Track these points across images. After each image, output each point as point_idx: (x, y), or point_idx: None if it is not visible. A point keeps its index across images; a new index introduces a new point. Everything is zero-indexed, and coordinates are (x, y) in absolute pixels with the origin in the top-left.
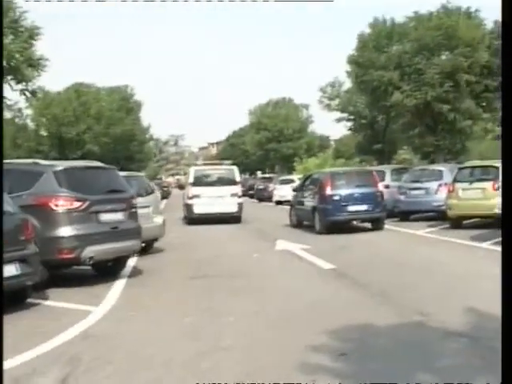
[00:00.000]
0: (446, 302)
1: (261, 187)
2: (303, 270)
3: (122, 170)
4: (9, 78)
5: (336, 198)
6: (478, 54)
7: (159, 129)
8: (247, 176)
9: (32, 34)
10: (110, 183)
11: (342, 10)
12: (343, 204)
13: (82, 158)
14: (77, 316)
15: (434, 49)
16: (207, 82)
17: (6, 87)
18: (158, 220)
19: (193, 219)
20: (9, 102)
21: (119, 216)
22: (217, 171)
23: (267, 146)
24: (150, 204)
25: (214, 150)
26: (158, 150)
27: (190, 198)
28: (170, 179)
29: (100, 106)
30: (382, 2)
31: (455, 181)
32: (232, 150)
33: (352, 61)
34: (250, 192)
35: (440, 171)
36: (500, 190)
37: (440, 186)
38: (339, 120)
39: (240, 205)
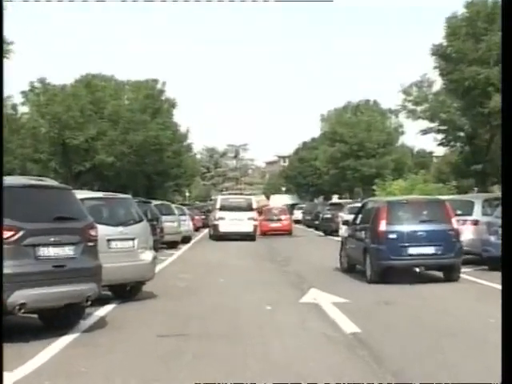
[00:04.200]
0: None
1: (327, 216)
2: (317, 333)
3: (152, 188)
4: None
5: (393, 236)
6: None
7: (215, 137)
8: (320, 200)
9: None
10: (60, 208)
11: None
12: (402, 245)
13: (92, 170)
14: None
15: None
16: (275, 80)
17: None
18: (146, 257)
19: (218, 236)
20: None
21: (68, 251)
22: (238, 200)
23: (343, 163)
24: (135, 236)
25: (283, 165)
26: (213, 163)
27: (217, 219)
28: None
29: (118, 105)
30: None
31: None
32: (301, 166)
33: (438, 52)
34: (316, 222)
35: None
36: None
37: None
38: (425, 132)
39: (255, 226)
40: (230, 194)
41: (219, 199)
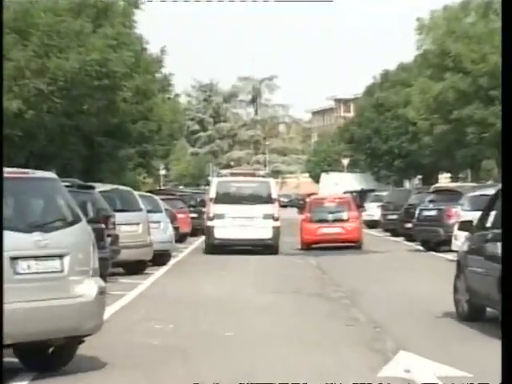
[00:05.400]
0: None
1: (429, 214)
2: None
3: (97, 161)
4: None
5: None
6: None
7: (215, 64)
8: (415, 183)
9: None
10: None
11: None
12: None
13: None
14: None
15: None
16: None
17: None
18: (86, 290)
19: (213, 246)
20: None
21: None
22: (247, 184)
23: (461, 112)
24: (65, 250)
25: (344, 116)
26: (212, 113)
27: (211, 218)
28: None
29: (28, 1)
30: None
31: None
32: (379, 118)
33: None
34: (407, 225)
35: None
36: None
37: None
38: None
39: (276, 230)
40: (232, 173)
41: (214, 183)
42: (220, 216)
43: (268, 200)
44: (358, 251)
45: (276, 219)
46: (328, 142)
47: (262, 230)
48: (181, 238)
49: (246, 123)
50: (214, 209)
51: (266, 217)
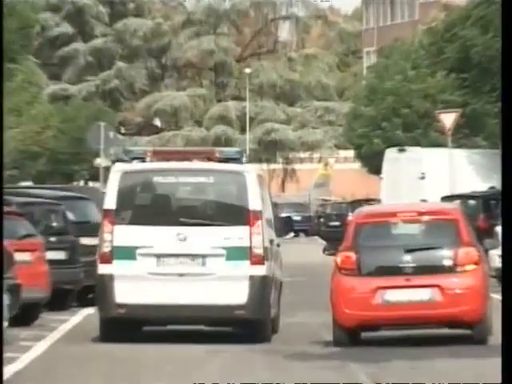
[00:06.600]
0: None
1: None
2: None
3: None
4: None
5: None
6: None
7: None
8: None
9: None
10: None
11: None
12: None
13: None
14: None
15: None
16: None
17: None
18: None
19: (112, 324)
20: None
21: None
22: (192, 178)
23: None
24: None
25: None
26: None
27: (107, 256)
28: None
29: None
30: None
31: None
32: None
33: None
34: None
35: None
36: None
37: None
38: None
39: (260, 284)
40: (158, 152)
41: (115, 177)
42: (127, 252)
43: (241, 215)
44: (477, 349)
45: (258, 259)
46: (404, 67)
47: (225, 287)
48: (26, 312)
49: (192, 18)
50: (112, 235)
51: (236, 254)
